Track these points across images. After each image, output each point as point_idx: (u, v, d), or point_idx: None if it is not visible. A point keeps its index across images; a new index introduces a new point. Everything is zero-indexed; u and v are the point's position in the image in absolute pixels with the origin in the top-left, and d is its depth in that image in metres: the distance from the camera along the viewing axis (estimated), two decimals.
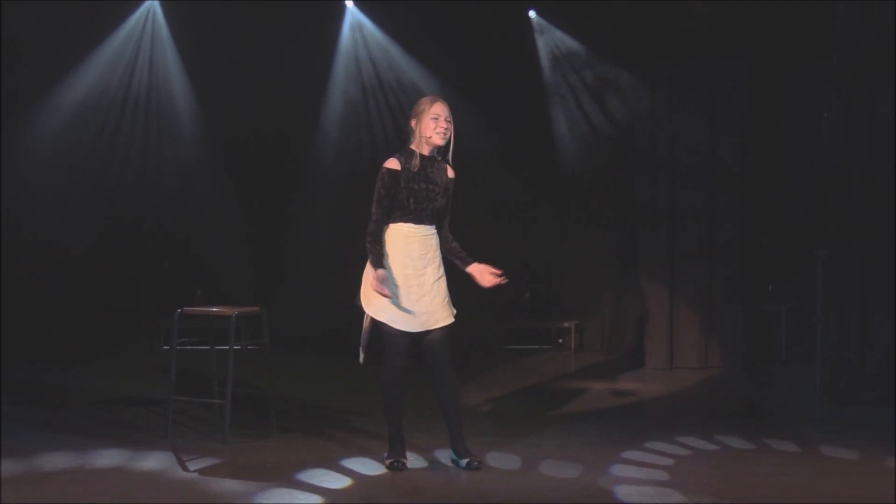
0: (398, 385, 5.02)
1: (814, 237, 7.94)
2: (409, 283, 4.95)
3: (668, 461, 5.24)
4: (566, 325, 9.88)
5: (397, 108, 10.12)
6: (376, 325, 5.01)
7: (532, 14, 10.01)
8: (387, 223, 5.01)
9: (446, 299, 5.05)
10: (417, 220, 4.99)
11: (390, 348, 4.97)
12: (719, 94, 8.77)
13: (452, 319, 5.06)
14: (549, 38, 9.99)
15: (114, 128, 9.71)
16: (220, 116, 9.88)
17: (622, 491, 4.68)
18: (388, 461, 5.03)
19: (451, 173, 5.12)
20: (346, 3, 10.09)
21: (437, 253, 5.07)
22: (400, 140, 10.00)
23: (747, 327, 8.88)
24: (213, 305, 6.01)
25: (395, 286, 4.94)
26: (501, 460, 5.24)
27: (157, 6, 9.75)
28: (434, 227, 5.07)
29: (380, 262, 4.94)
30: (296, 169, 10.22)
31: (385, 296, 4.89)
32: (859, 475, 4.98)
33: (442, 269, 5.07)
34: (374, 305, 4.97)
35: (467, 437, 5.14)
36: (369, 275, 4.98)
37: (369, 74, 10.18)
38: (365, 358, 5.11)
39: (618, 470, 5.04)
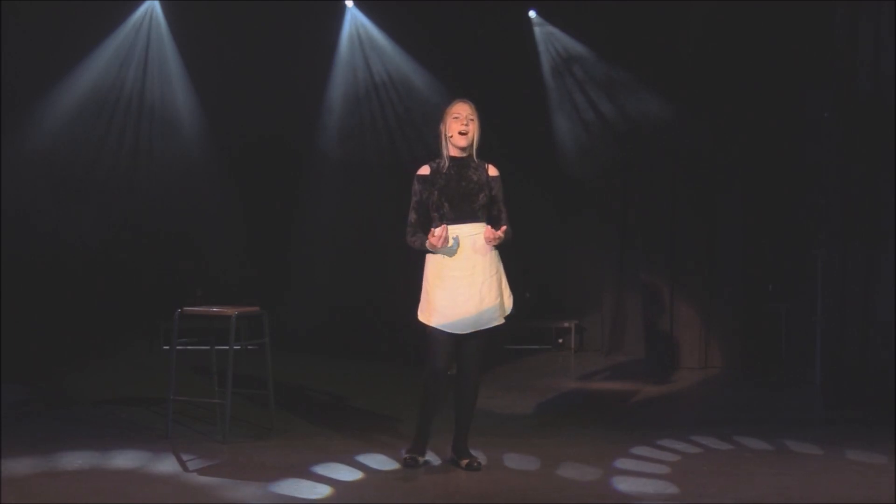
0: (441, 386, 5.02)
1: (814, 237, 7.94)
2: (457, 284, 4.94)
3: (669, 461, 5.25)
4: (566, 325, 9.88)
5: (397, 108, 10.12)
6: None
7: (532, 14, 10.01)
8: (425, 228, 5.02)
9: (498, 299, 5.02)
10: (456, 220, 4.96)
11: (434, 349, 4.96)
12: (720, 94, 8.76)
13: (502, 321, 5.05)
14: (549, 39, 9.99)
15: (114, 127, 9.69)
16: (221, 116, 9.87)
17: (622, 490, 4.68)
18: (406, 456, 5.10)
19: (492, 171, 5.13)
20: (346, 3, 10.08)
21: (488, 251, 5.02)
22: (398, 140, 10.06)
23: (747, 327, 8.88)
24: (213, 305, 6.00)
25: (444, 290, 4.93)
26: (501, 460, 5.24)
27: (157, 6, 9.74)
28: (481, 225, 5.01)
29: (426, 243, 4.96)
30: (296, 169, 10.21)
31: (440, 234, 4.86)
32: (859, 475, 4.99)
33: (494, 268, 5.03)
34: (425, 312, 4.99)
35: (469, 437, 5.15)
36: (426, 285, 5.00)
37: (369, 75, 10.17)
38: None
39: (618, 469, 5.05)
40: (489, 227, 4.96)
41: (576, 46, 9.80)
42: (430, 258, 5.04)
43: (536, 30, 10.04)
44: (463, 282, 4.94)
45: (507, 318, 5.11)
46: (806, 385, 7.69)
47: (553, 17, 9.93)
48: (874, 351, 6.80)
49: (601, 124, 9.67)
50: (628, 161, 9.45)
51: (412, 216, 5.08)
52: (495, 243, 4.98)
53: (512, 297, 5.15)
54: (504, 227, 4.98)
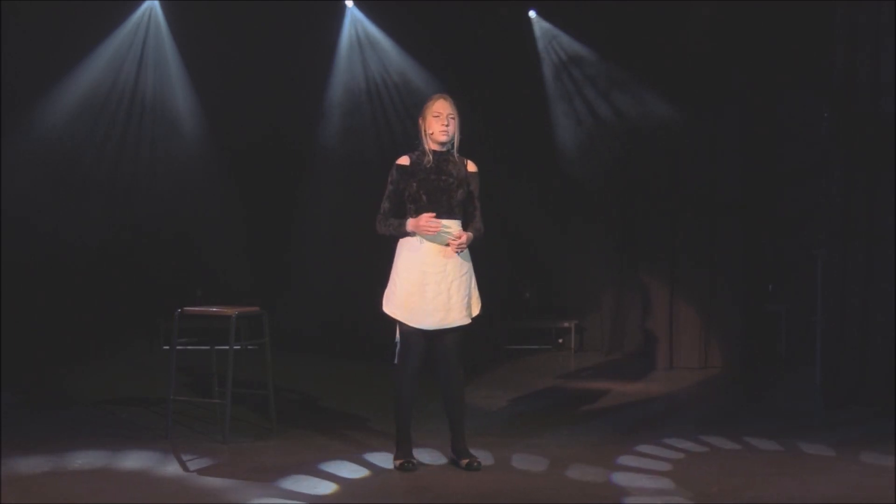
0: (412, 385, 5.00)
1: (814, 237, 7.94)
2: (427, 280, 4.93)
3: (669, 461, 5.25)
4: (566, 325, 9.88)
5: (398, 108, 10.12)
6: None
7: (532, 14, 10.01)
8: (397, 218, 5.01)
9: (466, 299, 4.99)
10: (434, 214, 4.94)
11: (405, 347, 4.98)
12: (720, 93, 8.77)
13: (469, 321, 5.02)
14: (549, 38, 9.99)
15: (114, 128, 9.70)
16: (221, 116, 9.87)
17: (622, 490, 4.68)
18: (398, 462, 5.02)
19: (471, 167, 5.11)
20: (346, 3, 10.08)
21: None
22: (398, 139, 10.05)
23: (747, 327, 8.88)
24: (213, 305, 6.00)
25: (413, 284, 4.93)
26: (501, 460, 5.24)
27: (157, 6, 9.74)
28: (456, 221, 5.00)
29: (402, 225, 4.95)
30: (296, 169, 10.21)
31: (434, 227, 4.86)
32: (859, 475, 4.99)
33: (466, 266, 5.02)
34: (391, 304, 5.00)
35: (468, 437, 5.15)
36: (395, 275, 5.01)
37: (369, 75, 10.17)
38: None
39: (618, 470, 5.05)
40: (457, 234, 4.93)
41: (576, 46, 9.80)
42: (402, 248, 5.02)
43: (536, 29, 10.04)
44: (433, 277, 4.93)
45: (473, 318, 5.07)
46: (806, 385, 7.69)
47: (553, 17, 9.94)
48: (874, 351, 6.79)
49: (601, 124, 9.67)
50: (629, 161, 9.45)
51: (385, 205, 5.06)
52: (459, 250, 4.95)
53: (480, 299, 5.12)
54: (468, 235, 4.97)
